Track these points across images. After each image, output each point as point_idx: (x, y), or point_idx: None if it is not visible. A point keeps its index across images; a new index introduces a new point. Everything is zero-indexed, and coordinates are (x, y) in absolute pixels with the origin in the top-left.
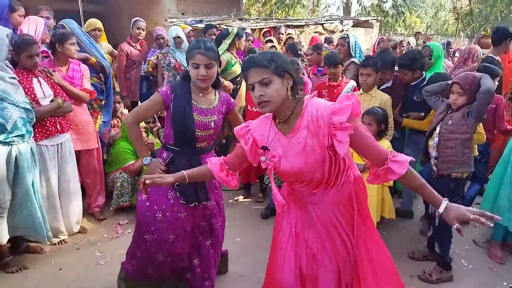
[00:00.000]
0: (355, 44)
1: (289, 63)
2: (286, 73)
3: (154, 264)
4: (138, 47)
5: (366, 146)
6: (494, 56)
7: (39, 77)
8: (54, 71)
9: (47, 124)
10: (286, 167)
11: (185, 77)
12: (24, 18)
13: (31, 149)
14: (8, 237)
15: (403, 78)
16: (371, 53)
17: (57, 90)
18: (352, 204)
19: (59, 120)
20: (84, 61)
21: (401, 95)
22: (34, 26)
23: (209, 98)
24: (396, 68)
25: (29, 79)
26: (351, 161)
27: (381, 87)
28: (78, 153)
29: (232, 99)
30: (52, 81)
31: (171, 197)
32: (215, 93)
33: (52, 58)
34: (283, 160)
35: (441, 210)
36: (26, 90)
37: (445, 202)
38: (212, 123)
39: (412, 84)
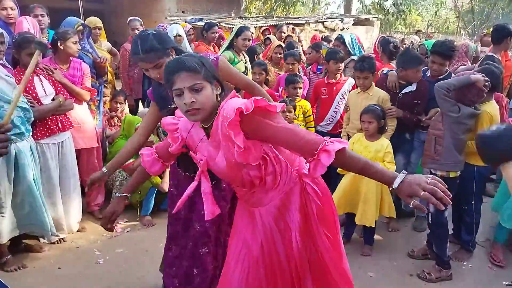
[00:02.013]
0: (352, 42)
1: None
2: (215, 80)
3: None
4: None
5: (285, 140)
6: (494, 55)
7: (40, 76)
8: (55, 69)
9: (49, 122)
10: (214, 169)
11: None
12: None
13: (30, 147)
14: (9, 236)
15: (433, 68)
16: (372, 52)
17: (58, 88)
18: (299, 207)
19: (60, 118)
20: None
21: (425, 102)
22: (32, 25)
23: None
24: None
25: (30, 77)
26: (292, 159)
27: (404, 91)
28: (78, 152)
29: None
30: (53, 79)
31: (181, 172)
32: None
33: (54, 55)
34: (210, 162)
35: (395, 185)
36: (27, 89)
37: (400, 176)
38: None
39: (439, 79)
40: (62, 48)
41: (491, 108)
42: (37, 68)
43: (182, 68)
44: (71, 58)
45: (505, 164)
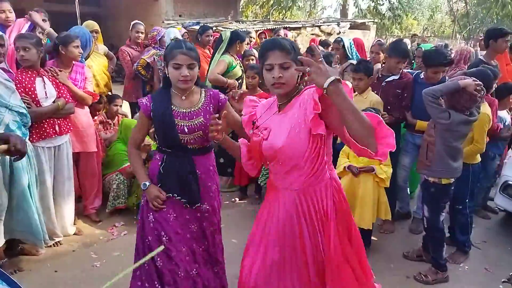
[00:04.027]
0: (351, 46)
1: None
2: (300, 64)
3: (156, 273)
4: (138, 49)
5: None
6: (483, 59)
7: (44, 77)
8: (60, 70)
9: (45, 125)
10: (272, 140)
11: (165, 84)
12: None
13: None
14: (4, 240)
15: (432, 78)
16: (368, 55)
17: (61, 91)
18: (324, 201)
19: (58, 122)
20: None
21: (411, 93)
22: (17, 28)
23: (192, 100)
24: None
25: (32, 78)
26: (329, 159)
27: (387, 79)
28: (77, 155)
29: (221, 95)
30: (58, 80)
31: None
32: (201, 92)
33: (56, 59)
34: (272, 133)
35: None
36: (27, 89)
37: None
38: (199, 124)
39: (433, 83)
40: (63, 52)
41: (486, 109)
42: (42, 70)
43: (277, 47)
44: (73, 62)
45: None
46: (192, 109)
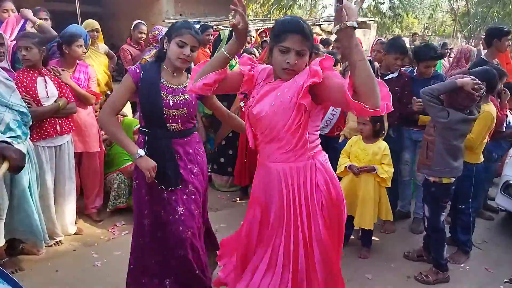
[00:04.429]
0: None
1: None
2: (311, 50)
3: (154, 251)
4: (139, 48)
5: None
6: (485, 58)
7: (46, 77)
8: (63, 70)
9: (45, 125)
10: (257, 108)
11: (158, 58)
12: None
13: (27, 150)
14: (5, 239)
15: (425, 72)
16: (369, 54)
17: (63, 91)
18: (308, 182)
19: (60, 121)
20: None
21: (410, 90)
22: (11, 26)
23: (180, 79)
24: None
25: (34, 78)
26: (314, 140)
27: (386, 78)
28: (80, 155)
29: None
30: (60, 80)
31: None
32: (187, 76)
33: (60, 58)
34: (258, 102)
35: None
36: (28, 89)
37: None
38: (184, 101)
39: (425, 78)
40: (67, 51)
41: (491, 108)
42: (44, 69)
43: (299, 31)
44: (77, 61)
45: None
46: (180, 86)
